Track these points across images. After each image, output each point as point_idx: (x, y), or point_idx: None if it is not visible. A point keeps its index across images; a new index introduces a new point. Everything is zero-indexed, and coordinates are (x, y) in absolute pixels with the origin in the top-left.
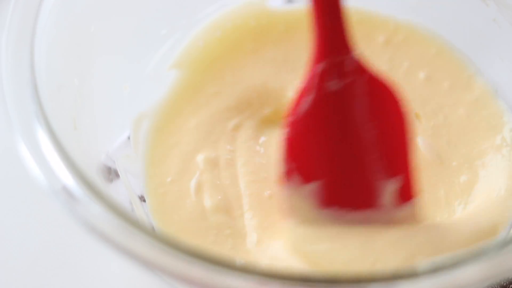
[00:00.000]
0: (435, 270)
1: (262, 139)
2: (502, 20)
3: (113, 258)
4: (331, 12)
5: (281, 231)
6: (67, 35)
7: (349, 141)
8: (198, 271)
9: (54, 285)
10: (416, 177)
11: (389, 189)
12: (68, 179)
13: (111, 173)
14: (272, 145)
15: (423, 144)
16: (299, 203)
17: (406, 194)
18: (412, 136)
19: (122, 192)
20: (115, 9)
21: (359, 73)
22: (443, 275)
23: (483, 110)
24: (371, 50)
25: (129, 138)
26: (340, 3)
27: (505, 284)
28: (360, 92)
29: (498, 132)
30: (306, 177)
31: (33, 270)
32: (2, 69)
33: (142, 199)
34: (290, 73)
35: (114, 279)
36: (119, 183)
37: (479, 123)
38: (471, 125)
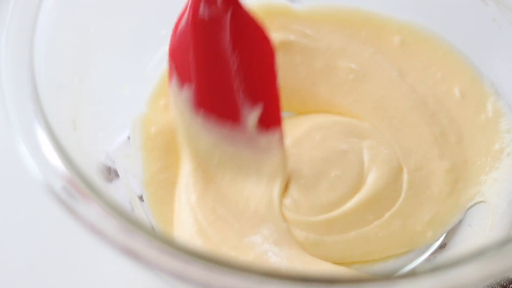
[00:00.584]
0: (435, 269)
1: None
2: (502, 20)
3: (113, 258)
4: None
5: None
6: (67, 35)
7: (216, 62)
8: (198, 271)
9: (54, 285)
10: (278, 108)
11: (252, 113)
12: (67, 179)
13: (111, 173)
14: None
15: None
16: (180, 105)
17: (268, 121)
18: (277, 71)
19: (122, 192)
20: (115, 9)
21: (227, 7)
22: (443, 275)
23: (483, 111)
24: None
25: (129, 138)
26: None
27: (505, 284)
28: (229, 23)
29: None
30: (182, 80)
31: (33, 270)
32: (2, 69)
33: (142, 199)
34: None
35: (114, 279)
36: (119, 183)
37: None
38: (472, 126)
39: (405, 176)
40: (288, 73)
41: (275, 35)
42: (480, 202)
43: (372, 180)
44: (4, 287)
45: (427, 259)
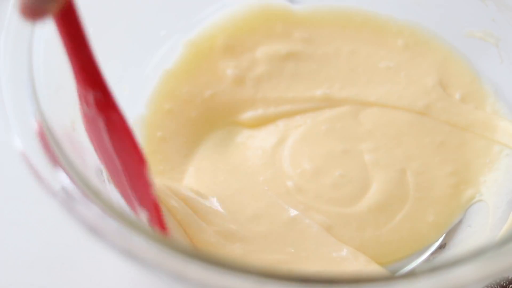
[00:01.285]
0: (433, 269)
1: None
2: (501, 20)
3: (112, 258)
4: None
5: None
6: None
7: (106, 155)
8: (196, 271)
9: (54, 285)
10: (160, 217)
11: (142, 215)
12: (67, 180)
13: None
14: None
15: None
16: None
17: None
18: (150, 183)
19: None
20: (114, 10)
21: (100, 110)
22: (442, 275)
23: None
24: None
25: None
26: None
27: (504, 284)
28: (104, 126)
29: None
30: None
31: (33, 270)
32: (1, 70)
33: None
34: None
35: (113, 279)
36: None
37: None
38: (472, 128)
39: (410, 179)
40: (301, 80)
41: (279, 47)
42: (479, 201)
43: (379, 182)
44: (4, 287)
45: (427, 259)
